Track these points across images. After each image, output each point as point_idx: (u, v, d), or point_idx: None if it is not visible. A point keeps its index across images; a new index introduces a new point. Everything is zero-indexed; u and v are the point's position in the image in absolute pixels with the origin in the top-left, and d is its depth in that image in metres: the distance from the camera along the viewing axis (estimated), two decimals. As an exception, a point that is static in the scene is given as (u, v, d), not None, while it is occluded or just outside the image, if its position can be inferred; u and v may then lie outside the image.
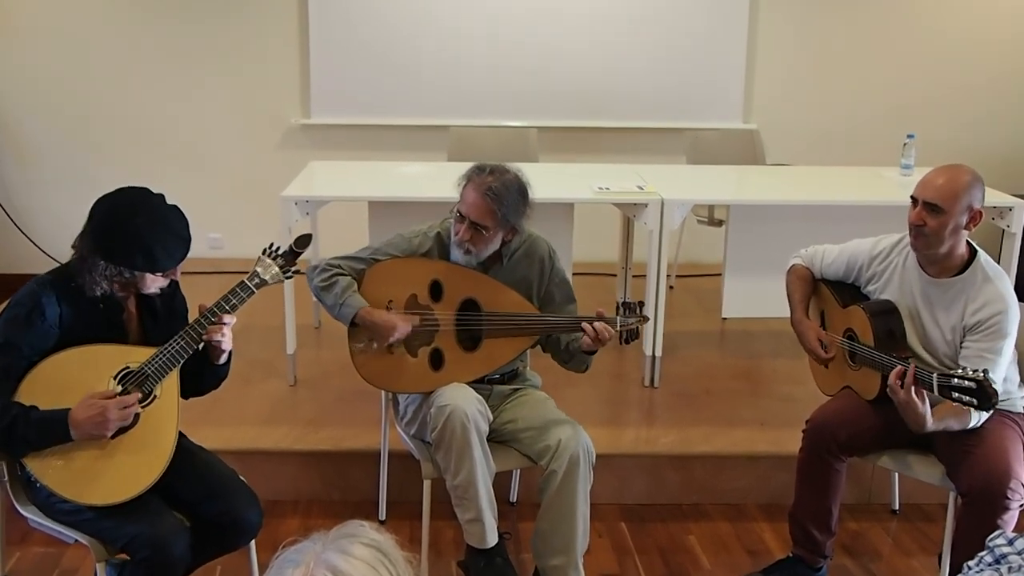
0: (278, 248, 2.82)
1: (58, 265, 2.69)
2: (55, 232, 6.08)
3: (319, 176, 4.96)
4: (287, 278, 2.82)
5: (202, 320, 2.66)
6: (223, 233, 6.21)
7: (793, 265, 3.48)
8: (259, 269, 2.76)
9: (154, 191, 2.64)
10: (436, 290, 3.18)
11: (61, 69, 6.01)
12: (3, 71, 6.00)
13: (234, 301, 2.69)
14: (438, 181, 4.56)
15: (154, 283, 2.63)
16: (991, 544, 1.98)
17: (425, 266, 3.20)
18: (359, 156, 6.01)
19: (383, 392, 3.45)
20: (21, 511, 2.73)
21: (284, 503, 3.82)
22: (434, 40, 6.08)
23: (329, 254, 3.29)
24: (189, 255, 2.70)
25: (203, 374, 2.80)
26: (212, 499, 2.74)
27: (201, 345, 2.69)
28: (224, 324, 2.68)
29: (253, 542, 2.92)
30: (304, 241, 2.85)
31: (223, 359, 2.77)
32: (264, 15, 6.05)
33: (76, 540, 2.65)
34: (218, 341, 2.68)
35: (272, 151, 6.24)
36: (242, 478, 2.86)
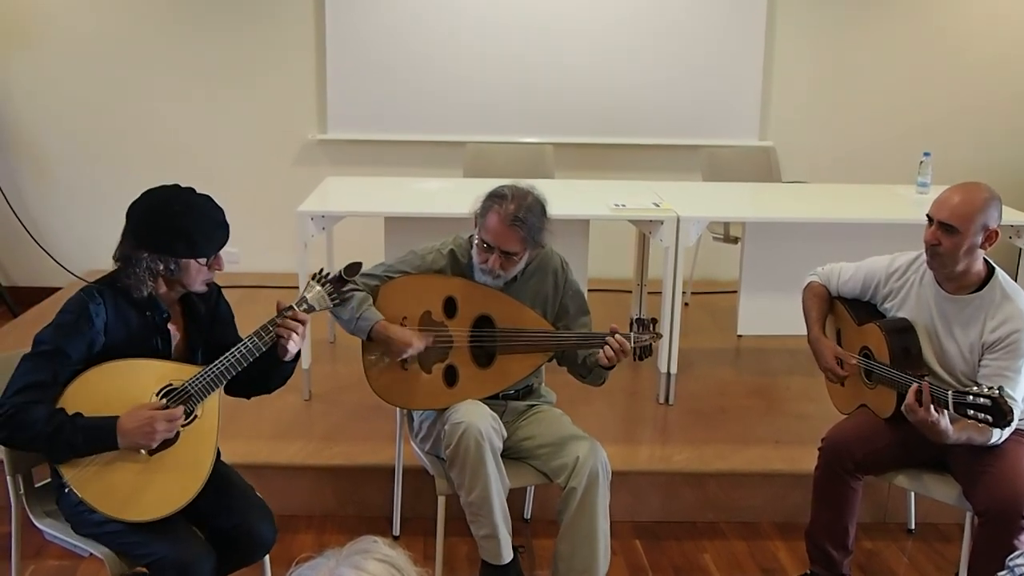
0: (328, 274, 2.83)
1: (104, 274, 2.70)
2: (72, 246, 6.11)
3: (335, 191, 4.98)
4: (334, 304, 2.83)
5: (248, 344, 2.66)
6: (239, 248, 6.22)
7: (809, 283, 3.47)
8: (307, 295, 2.77)
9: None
10: (450, 307, 3.19)
11: (79, 85, 6.06)
12: (21, 86, 6.06)
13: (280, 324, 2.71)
14: (454, 197, 4.57)
15: (199, 275, 2.64)
16: (1011, 564, 1.97)
17: (439, 283, 3.21)
18: (375, 172, 6.05)
19: (397, 408, 3.46)
20: (37, 524, 2.74)
21: (298, 518, 3.82)
22: (451, 56, 6.11)
23: (344, 270, 3.30)
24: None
25: (269, 373, 2.81)
26: (227, 512, 2.74)
27: (248, 362, 2.67)
28: (300, 323, 2.70)
29: (267, 558, 2.92)
30: (354, 269, 2.86)
31: (289, 357, 2.78)
32: (281, 31, 6.09)
33: (91, 554, 2.66)
34: (286, 339, 2.69)
35: (289, 166, 6.28)
36: (257, 493, 2.86)
